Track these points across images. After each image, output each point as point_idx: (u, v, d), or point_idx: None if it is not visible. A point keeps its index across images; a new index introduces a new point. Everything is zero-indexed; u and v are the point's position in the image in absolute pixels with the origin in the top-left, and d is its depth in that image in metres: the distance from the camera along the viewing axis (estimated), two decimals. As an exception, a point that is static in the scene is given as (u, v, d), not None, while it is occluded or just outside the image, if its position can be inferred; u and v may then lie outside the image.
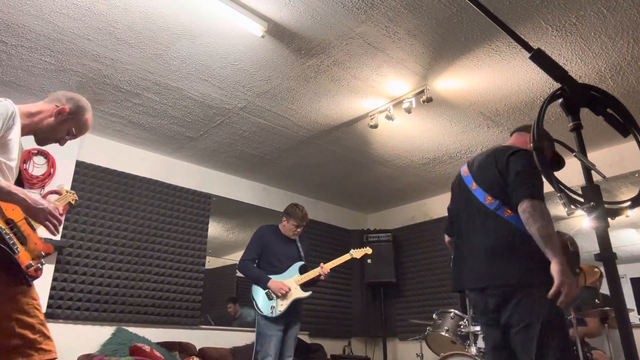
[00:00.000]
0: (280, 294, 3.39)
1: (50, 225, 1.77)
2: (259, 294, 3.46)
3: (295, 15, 2.76)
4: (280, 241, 3.68)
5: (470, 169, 2.23)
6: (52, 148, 3.91)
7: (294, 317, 3.51)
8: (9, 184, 1.72)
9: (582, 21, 2.77)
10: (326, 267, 3.60)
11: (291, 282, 3.51)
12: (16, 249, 1.71)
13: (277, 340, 3.36)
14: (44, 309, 3.58)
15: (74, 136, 2.01)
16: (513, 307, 1.86)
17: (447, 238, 2.41)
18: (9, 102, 1.77)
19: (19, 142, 1.84)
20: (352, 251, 3.84)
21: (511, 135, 2.37)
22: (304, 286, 3.55)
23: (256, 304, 3.44)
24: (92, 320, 3.91)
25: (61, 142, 2.00)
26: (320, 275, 3.57)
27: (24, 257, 1.74)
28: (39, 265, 1.80)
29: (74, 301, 3.84)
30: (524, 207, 1.84)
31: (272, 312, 3.37)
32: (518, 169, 1.95)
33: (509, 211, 1.95)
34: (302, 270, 3.60)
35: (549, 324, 1.78)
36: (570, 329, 3.30)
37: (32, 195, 1.74)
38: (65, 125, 1.95)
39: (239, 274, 5.15)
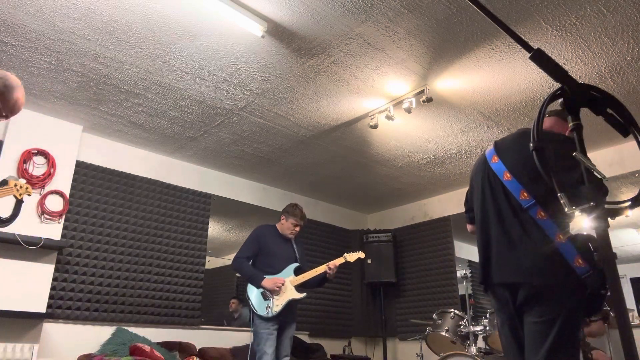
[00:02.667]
0: (276, 289, 3.38)
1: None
2: (253, 294, 3.46)
3: (295, 15, 2.76)
4: (277, 241, 3.67)
5: (501, 155, 1.96)
6: (52, 148, 3.93)
7: (289, 317, 3.51)
8: None
9: (582, 21, 2.77)
10: (332, 264, 3.56)
11: (286, 282, 3.50)
12: None
13: (274, 339, 3.36)
14: (44, 309, 3.60)
15: (5, 117, 1.86)
16: (540, 303, 1.76)
17: (470, 227, 2.20)
18: None
19: None
20: (345, 254, 3.82)
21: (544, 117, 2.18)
22: (299, 287, 3.54)
23: (251, 303, 3.44)
24: (92, 320, 3.91)
25: None
26: (327, 273, 3.54)
27: None
28: None
29: (74, 301, 3.84)
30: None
31: (267, 312, 3.36)
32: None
33: (542, 213, 1.75)
34: (297, 272, 3.59)
35: (570, 325, 1.72)
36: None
37: None
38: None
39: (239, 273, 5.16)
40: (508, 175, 1.89)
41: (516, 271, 1.80)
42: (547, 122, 2.05)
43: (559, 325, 1.69)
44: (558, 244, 1.70)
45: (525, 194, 1.80)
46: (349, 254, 3.84)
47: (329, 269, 3.55)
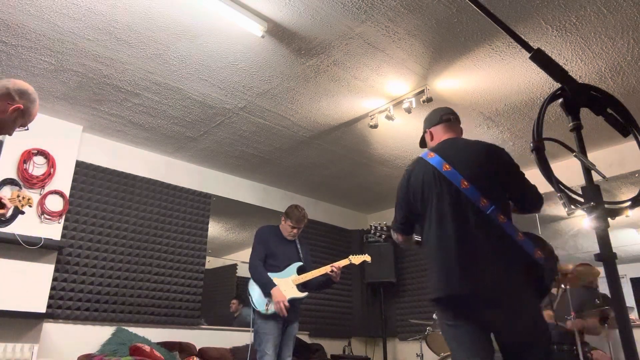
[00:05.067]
0: (277, 307, 3.32)
1: None
2: (254, 290, 3.46)
3: (295, 15, 2.76)
4: (280, 241, 3.67)
5: (451, 163, 2.00)
6: (52, 148, 3.93)
7: (291, 316, 3.50)
8: None
9: (582, 21, 2.77)
10: (336, 265, 3.55)
11: (288, 281, 3.50)
12: None
13: (275, 339, 3.35)
14: (44, 309, 3.60)
15: (26, 128, 2.02)
16: (511, 312, 1.83)
17: (402, 237, 2.17)
18: None
19: None
20: (350, 257, 3.82)
21: (452, 124, 2.26)
22: (302, 287, 3.54)
23: (251, 299, 3.43)
24: (92, 320, 3.91)
25: (11, 133, 1.99)
26: (331, 276, 3.53)
27: None
28: None
29: (74, 301, 3.84)
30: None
31: (266, 309, 3.36)
32: (521, 172, 1.99)
33: (502, 217, 1.86)
34: (300, 271, 3.59)
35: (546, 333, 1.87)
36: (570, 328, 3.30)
37: None
38: (18, 122, 1.95)
39: (239, 273, 5.16)
40: (466, 183, 1.93)
41: (498, 277, 1.83)
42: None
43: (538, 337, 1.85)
44: (520, 242, 1.85)
45: (485, 201, 1.90)
46: (354, 256, 3.83)
47: (332, 270, 3.53)
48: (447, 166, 2.00)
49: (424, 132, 2.33)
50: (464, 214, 1.90)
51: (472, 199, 1.90)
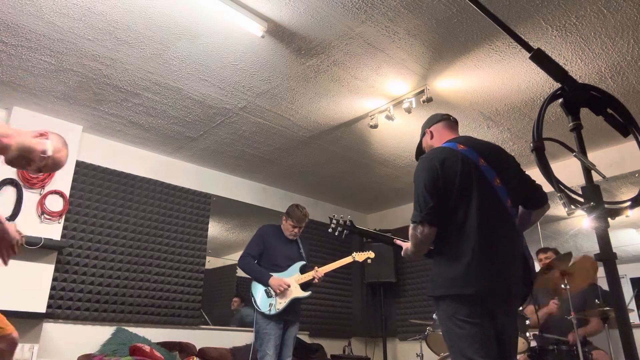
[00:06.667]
0: (279, 291, 3.39)
1: (5, 254, 1.71)
2: (258, 291, 3.47)
3: (295, 15, 2.76)
4: (282, 241, 3.68)
5: (485, 158, 1.93)
6: (52, 148, 3.92)
7: (292, 316, 3.51)
8: None
9: (582, 21, 2.77)
10: (320, 271, 3.59)
11: (291, 280, 3.51)
12: None
13: (276, 339, 3.36)
14: (44, 309, 3.60)
15: (47, 163, 1.93)
16: (513, 315, 1.92)
17: (429, 228, 1.88)
18: None
19: None
20: (354, 254, 3.83)
21: (453, 124, 2.22)
22: (304, 286, 3.55)
23: (255, 301, 3.44)
24: (92, 320, 3.91)
25: (34, 165, 1.91)
26: (314, 278, 3.56)
27: None
28: None
29: (74, 301, 3.84)
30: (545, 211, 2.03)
31: (270, 310, 3.36)
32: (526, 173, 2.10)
33: (517, 219, 1.95)
34: (303, 270, 3.60)
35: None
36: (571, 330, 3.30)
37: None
38: (43, 145, 1.88)
39: (239, 273, 5.16)
40: (498, 181, 1.88)
41: (518, 277, 1.88)
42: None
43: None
44: (525, 245, 1.98)
45: (510, 202, 1.89)
46: (357, 253, 3.84)
47: (316, 273, 3.58)
48: (483, 161, 1.92)
49: (423, 134, 2.28)
50: (497, 211, 1.87)
51: (502, 198, 1.88)
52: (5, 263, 1.73)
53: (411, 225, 1.92)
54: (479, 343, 1.75)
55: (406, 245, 2.14)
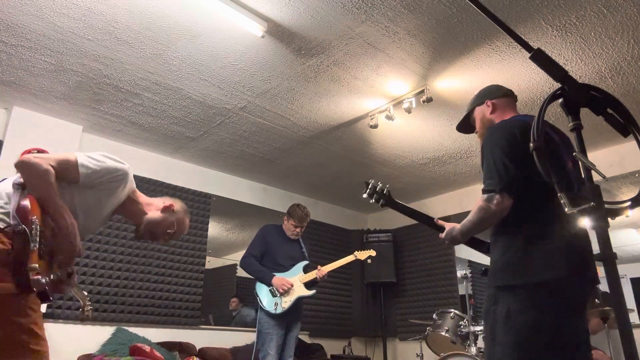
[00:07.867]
0: (282, 290, 3.40)
1: (65, 261, 1.70)
2: (262, 291, 3.48)
3: (295, 15, 2.76)
4: (283, 241, 3.69)
5: (560, 138, 1.77)
6: (52, 148, 3.91)
7: (295, 316, 3.52)
8: (64, 206, 1.65)
9: (582, 21, 2.77)
10: (323, 270, 3.61)
11: (295, 280, 3.52)
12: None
13: (278, 339, 3.36)
14: (44, 309, 3.59)
15: (171, 236, 1.97)
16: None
17: (508, 200, 1.63)
18: (127, 166, 1.79)
19: (108, 202, 1.79)
20: (356, 252, 3.84)
21: (513, 101, 2.02)
22: (308, 285, 3.56)
23: (260, 301, 3.45)
24: (92, 320, 3.91)
25: (160, 239, 1.94)
26: (317, 277, 3.58)
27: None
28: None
29: (73, 301, 3.84)
30: None
31: (275, 309, 3.37)
32: None
33: None
34: (306, 270, 3.62)
35: None
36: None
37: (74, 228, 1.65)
38: (168, 222, 1.90)
39: (239, 273, 5.16)
40: (571, 164, 1.72)
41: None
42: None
43: None
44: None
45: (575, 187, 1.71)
46: (359, 252, 3.85)
47: (318, 273, 3.59)
48: (561, 143, 1.76)
49: (479, 103, 2.05)
50: None
51: (573, 181, 1.70)
52: (68, 272, 1.72)
53: (484, 196, 1.66)
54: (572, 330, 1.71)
55: (450, 226, 1.91)
